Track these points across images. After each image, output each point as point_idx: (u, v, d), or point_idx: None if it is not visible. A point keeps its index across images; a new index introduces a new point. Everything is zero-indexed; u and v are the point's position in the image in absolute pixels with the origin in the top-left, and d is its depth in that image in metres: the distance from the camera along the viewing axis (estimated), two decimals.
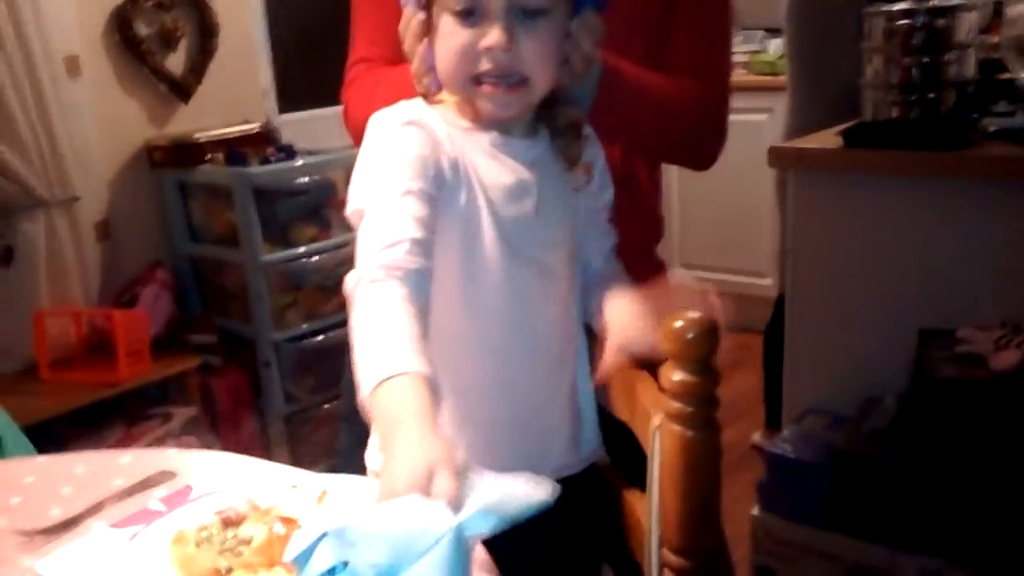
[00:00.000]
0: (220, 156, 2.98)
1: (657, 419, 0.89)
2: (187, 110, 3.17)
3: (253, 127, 3.15)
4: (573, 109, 1.17)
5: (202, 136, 3.06)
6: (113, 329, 2.76)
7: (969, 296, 1.80)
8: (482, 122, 1.12)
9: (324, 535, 0.59)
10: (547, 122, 1.15)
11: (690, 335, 0.81)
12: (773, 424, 2.64)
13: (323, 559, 0.57)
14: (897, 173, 1.87)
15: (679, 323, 0.82)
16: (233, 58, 3.29)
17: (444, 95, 1.13)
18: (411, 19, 1.11)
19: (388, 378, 0.84)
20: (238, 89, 3.32)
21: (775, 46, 3.78)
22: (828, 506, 1.84)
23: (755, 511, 1.97)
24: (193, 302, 3.17)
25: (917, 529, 1.71)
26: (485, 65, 1.03)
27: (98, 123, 2.95)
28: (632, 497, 1.06)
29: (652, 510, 0.88)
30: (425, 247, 0.98)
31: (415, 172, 1.03)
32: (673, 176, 3.77)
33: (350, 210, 1.06)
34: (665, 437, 0.85)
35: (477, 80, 1.05)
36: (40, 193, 2.76)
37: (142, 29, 3.03)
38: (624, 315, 1.07)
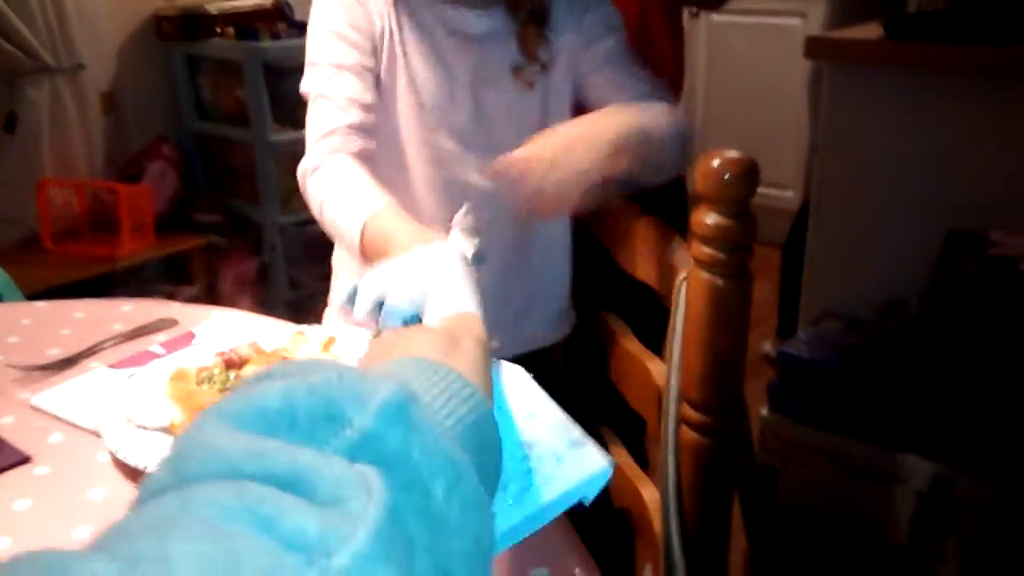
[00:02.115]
0: (231, 30, 2.87)
1: (685, 270, 0.83)
2: None
3: (265, 1, 3.04)
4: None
5: (213, 8, 2.95)
6: (117, 203, 2.70)
7: (1004, 201, 1.73)
8: None
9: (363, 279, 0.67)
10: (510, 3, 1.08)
11: (727, 175, 0.75)
12: (785, 335, 2.60)
13: (366, 297, 0.65)
14: (941, 69, 1.79)
15: (716, 162, 0.76)
16: None
17: None
18: None
19: (370, 216, 0.91)
20: None
21: None
22: (838, 408, 1.81)
23: (764, 412, 1.94)
24: (199, 180, 3.10)
25: (928, 434, 1.68)
26: None
27: None
28: (636, 352, 1.01)
29: (673, 364, 0.83)
30: (361, 128, 1.02)
31: (347, 45, 1.04)
32: (698, 83, 3.66)
33: (302, 90, 1.07)
34: (693, 285, 0.79)
35: None
36: (45, 59, 2.67)
37: None
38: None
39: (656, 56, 1.38)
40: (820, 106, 2.02)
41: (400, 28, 1.06)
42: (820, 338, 1.91)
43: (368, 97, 1.04)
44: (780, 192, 3.58)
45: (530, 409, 0.57)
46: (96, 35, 2.83)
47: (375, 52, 1.05)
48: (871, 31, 1.87)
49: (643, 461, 1.13)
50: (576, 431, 0.57)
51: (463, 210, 0.75)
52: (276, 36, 2.84)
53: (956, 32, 1.72)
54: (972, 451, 1.63)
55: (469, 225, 0.74)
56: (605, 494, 1.15)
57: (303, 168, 1.03)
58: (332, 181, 0.99)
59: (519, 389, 0.58)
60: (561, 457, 0.55)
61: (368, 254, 0.91)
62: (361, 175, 0.98)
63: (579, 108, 1.15)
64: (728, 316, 0.77)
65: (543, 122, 1.10)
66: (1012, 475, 1.60)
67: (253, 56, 2.76)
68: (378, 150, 1.05)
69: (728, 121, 3.73)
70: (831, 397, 1.81)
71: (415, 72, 1.07)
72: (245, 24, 2.89)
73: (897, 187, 1.88)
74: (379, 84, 1.07)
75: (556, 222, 1.16)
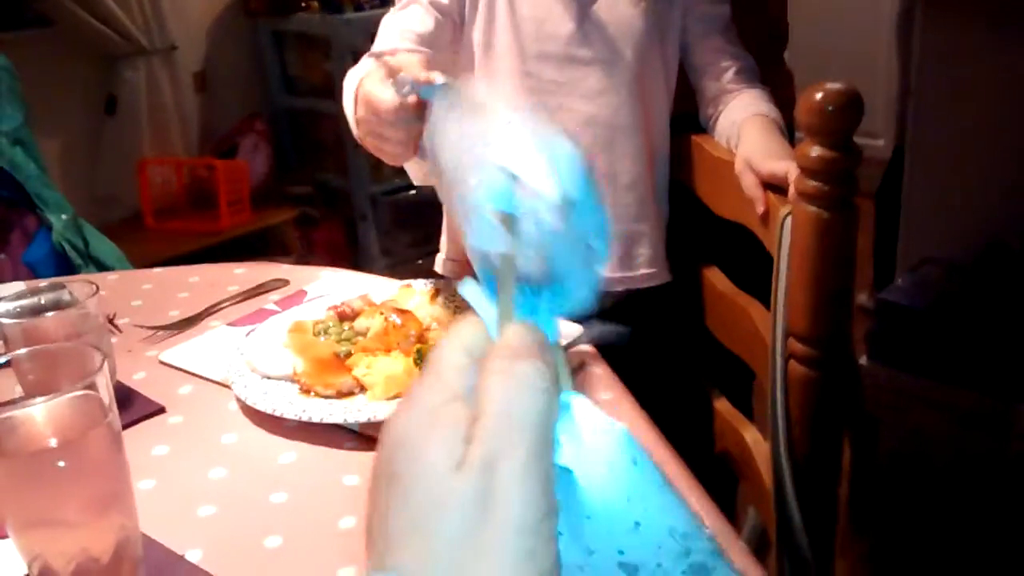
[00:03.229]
0: (315, 4, 2.93)
1: (786, 207, 0.84)
2: None
3: None
4: None
5: None
6: (215, 179, 2.79)
7: None
8: None
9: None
10: None
11: (831, 107, 0.75)
12: (882, 286, 2.55)
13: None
14: None
15: (819, 94, 0.76)
16: None
17: None
18: None
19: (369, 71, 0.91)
20: None
21: None
22: (940, 355, 1.77)
23: (863, 361, 1.91)
24: (290, 154, 3.18)
25: None
26: None
27: None
28: (737, 297, 1.02)
29: (779, 299, 0.84)
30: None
31: None
32: None
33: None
34: (798, 219, 0.80)
35: None
36: (141, 41, 2.77)
37: None
38: (765, 142, 1.01)
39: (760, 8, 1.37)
40: (912, 47, 1.96)
41: None
42: (920, 284, 1.87)
43: (425, 27, 1.08)
44: (872, 141, 3.48)
45: (635, 517, 0.35)
46: (187, 16, 2.92)
47: None
48: None
49: (746, 410, 1.14)
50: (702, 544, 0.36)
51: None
52: (359, 7, 2.89)
53: None
54: None
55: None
56: (705, 438, 1.17)
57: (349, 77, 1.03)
58: (354, 75, 1.00)
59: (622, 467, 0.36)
60: None
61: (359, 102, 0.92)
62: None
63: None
64: (836, 248, 0.77)
65: (650, 38, 1.12)
66: None
67: (338, 29, 2.81)
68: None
69: (813, 66, 3.64)
70: (933, 344, 1.78)
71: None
72: None
73: (995, 127, 1.82)
74: (465, 21, 1.12)
75: (660, 164, 1.17)
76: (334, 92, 2.89)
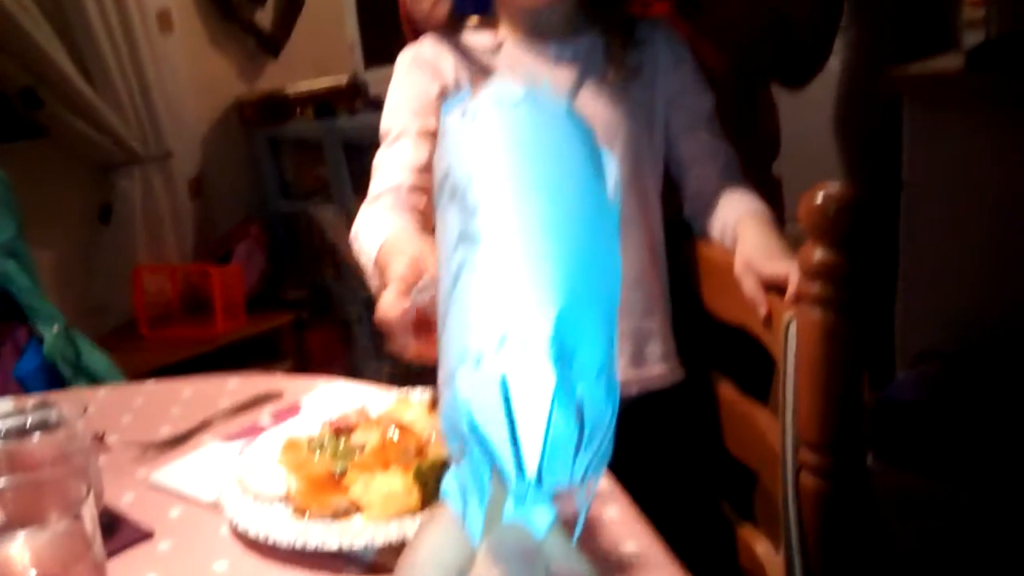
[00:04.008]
0: (309, 111, 2.98)
1: (790, 311, 0.82)
2: (276, 65, 3.18)
3: (341, 81, 3.14)
4: (623, 9, 1.14)
5: (291, 90, 3.06)
6: (211, 285, 2.78)
7: None
8: (516, 23, 1.11)
9: None
10: (597, 21, 1.13)
11: (832, 208, 0.74)
12: (877, 380, 2.52)
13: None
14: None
15: (820, 196, 0.75)
16: (321, 12, 3.29)
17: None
18: None
19: (386, 237, 0.96)
20: (326, 43, 3.32)
21: None
22: (948, 453, 1.74)
23: (868, 461, 1.87)
24: (285, 258, 3.18)
25: None
26: None
27: (190, 80, 2.98)
28: (742, 403, 1.00)
29: (787, 407, 0.81)
30: (413, 188, 1.05)
31: (411, 110, 1.10)
32: None
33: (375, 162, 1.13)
34: (803, 324, 0.78)
35: None
36: (136, 149, 2.79)
37: None
38: (764, 243, 1.00)
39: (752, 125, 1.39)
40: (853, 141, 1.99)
41: (473, 71, 1.12)
42: (922, 379, 1.85)
43: (421, 158, 1.08)
44: None
45: None
46: (182, 124, 2.96)
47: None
48: (950, 62, 1.84)
49: (748, 515, 1.10)
50: None
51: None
52: (353, 113, 2.93)
53: None
54: None
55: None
56: (716, 552, 1.13)
57: (353, 231, 1.07)
58: (368, 224, 1.03)
59: None
60: None
61: (381, 270, 0.95)
62: (396, 217, 1.02)
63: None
64: (844, 352, 0.75)
65: (638, 131, 1.12)
66: None
67: (332, 134, 2.85)
68: None
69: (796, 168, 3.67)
70: (939, 442, 1.74)
71: None
72: (323, 104, 2.99)
73: (989, 219, 1.83)
74: None
75: (661, 259, 1.17)
76: (330, 195, 2.92)
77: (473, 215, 0.48)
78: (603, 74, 1.11)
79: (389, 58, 3.69)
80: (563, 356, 0.40)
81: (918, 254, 1.96)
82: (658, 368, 1.15)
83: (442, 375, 0.44)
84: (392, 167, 1.08)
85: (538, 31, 1.12)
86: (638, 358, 1.14)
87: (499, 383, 0.39)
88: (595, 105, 1.11)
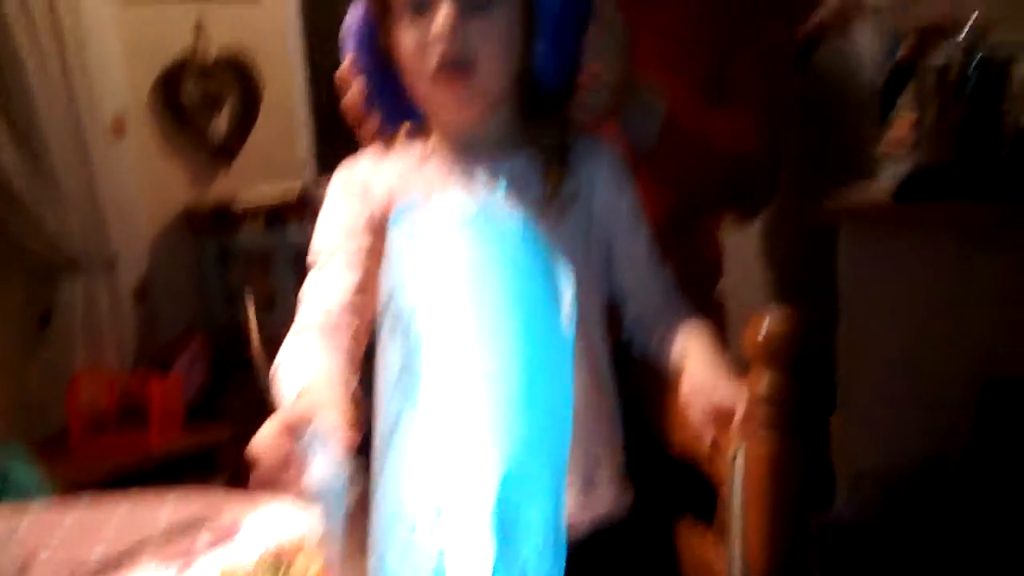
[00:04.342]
0: (260, 220, 2.99)
1: (737, 439, 0.83)
2: (228, 174, 3.20)
3: (293, 191, 3.17)
4: (564, 128, 1.10)
5: (242, 199, 3.07)
6: (149, 395, 2.72)
7: None
8: (445, 137, 1.07)
9: None
10: (533, 142, 1.08)
11: (777, 334, 0.76)
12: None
13: None
14: (953, 227, 1.83)
15: (764, 323, 0.77)
16: (274, 121, 3.34)
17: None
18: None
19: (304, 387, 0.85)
20: (279, 153, 3.36)
21: None
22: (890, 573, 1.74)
23: None
24: (228, 369, 3.13)
25: None
26: (434, 56, 0.97)
27: (140, 186, 2.98)
28: (692, 537, 1.00)
29: (735, 537, 0.82)
30: (339, 321, 0.97)
31: (342, 231, 1.04)
32: None
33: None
34: (751, 452, 0.79)
35: (434, 78, 0.99)
36: (80, 254, 2.76)
37: (189, 91, 3.09)
38: (710, 370, 0.99)
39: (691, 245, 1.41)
40: (838, 268, 2.05)
41: (405, 190, 1.05)
42: (862, 504, 1.86)
43: (353, 280, 1.01)
44: None
45: None
46: (130, 230, 2.94)
47: (374, 231, 1.03)
48: (879, 191, 1.93)
49: None
50: None
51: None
52: (304, 224, 2.95)
53: (967, 190, 1.77)
54: None
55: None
56: None
57: (274, 366, 0.97)
58: (291, 362, 0.94)
59: None
60: None
61: None
62: (322, 357, 0.93)
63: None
64: (792, 479, 0.76)
65: (576, 255, 1.03)
66: None
67: (282, 246, 2.85)
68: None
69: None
70: (884, 563, 1.75)
71: None
72: (274, 213, 3.00)
73: (927, 339, 1.88)
74: None
75: (607, 383, 1.15)
76: (276, 306, 2.90)
77: (416, 351, 0.46)
78: (539, 196, 1.07)
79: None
80: (506, 522, 0.37)
81: (854, 379, 2.01)
82: (608, 492, 1.13)
83: (374, 531, 0.42)
84: (322, 293, 1.01)
85: (469, 147, 1.08)
86: (588, 485, 1.12)
87: (434, 559, 0.37)
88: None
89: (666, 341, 1.11)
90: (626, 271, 1.15)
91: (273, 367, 0.95)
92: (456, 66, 0.98)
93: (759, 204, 1.44)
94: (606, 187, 1.13)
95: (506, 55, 1.01)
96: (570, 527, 1.06)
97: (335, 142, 3.63)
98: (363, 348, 0.97)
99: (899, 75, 2.33)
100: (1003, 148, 1.76)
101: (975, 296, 1.81)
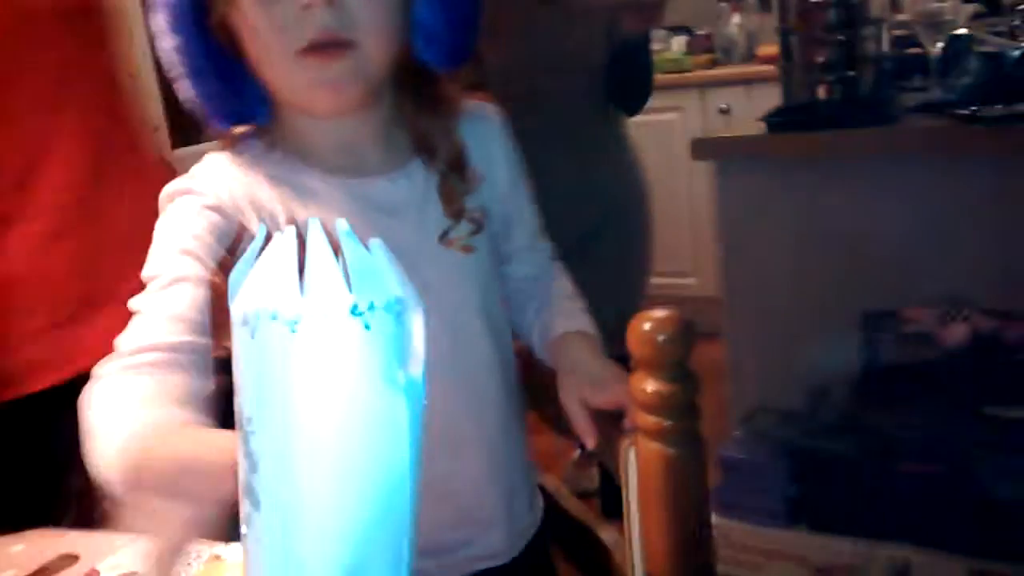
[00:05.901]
0: None
1: (627, 439, 0.78)
2: None
3: None
4: (456, 137, 0.95)
5: None
6: None
7: (909, 275, 1.75)
8: (314, 145, 0.90)
9: None
10: (426, 155, 0.93)
11: (661, 337, 0.70)
12: None
13: None
14: (822, 155, 1.83)
15: (647, 325, 0.71)
16: None
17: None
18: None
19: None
20: None
21: (678, 43, 3.75)
22: (789, 505, 1.76)
23: (713, 519, 1.88)
24: None
25: (882, 519, 1.65)
26: (307, 30, 0.80)
27: None
28: (613, 539, 0.96)
29: (634, 541, 0.77)
30: (185, 349, 0.78)
31: (189, 257, 0.83)
32: None
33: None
34: (643, 457, 0.74)
35: (303, 57, 0.81)
36: None
37: None
38: (589, 367, 0.93)
39: None
40: (717, 205, 2.04)
41: (286, 213, 0.88)
42: (756, 436, 1.87)
43: (202, 305, 0.81)
44: (682, 280, 3.61)
45: None
46: None
47: (229, 246, 0.86)
48: (753, 127, 1.90)
49: None
50: None
51: None
52: None
53: (830, 119, 1.77)
54: (928, 528, 1.60)
55: None
56: None
57: (96, 374, 0.78)
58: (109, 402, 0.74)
59: None
60: None
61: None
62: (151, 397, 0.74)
63: None
64: (686, 485, 0.72)
65: (490, 291, 0.98)
66: (972, 545, 1.57)
67: None
68: None
69: None
70: (778, 495, 1.77)
71: None
72: None
73: (804, 274, 1.89)
74: None
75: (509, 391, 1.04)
76: None
77: (255, 470, 0.41)
78: (436, 217, 0.93)
79: (197, 138, 3.49)
80: None
81: (740, 314, 2.01)
82: (529, 515, 1.06)
83: None
84: (163, 319, 0.79)
85: (343, 154, 0.91)
86: (510, 516, 1.03)
87: None
88: (437, 269, 0.92)
89: (540, 321, 1.05)
90: (517, 239, 1.07)
91: (84, 406, 0.75)
92: (332, 42, 0.80)
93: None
94: (505, 165, 1.01)
95: (389, 30, 0.84)
96: (498, 557, 1.01)
97: (187, 111, 3.41)
98: (210, 381, 0.80)
99: None
100: (863, 81, 1.77)
101: (847, 230, 1.82)
